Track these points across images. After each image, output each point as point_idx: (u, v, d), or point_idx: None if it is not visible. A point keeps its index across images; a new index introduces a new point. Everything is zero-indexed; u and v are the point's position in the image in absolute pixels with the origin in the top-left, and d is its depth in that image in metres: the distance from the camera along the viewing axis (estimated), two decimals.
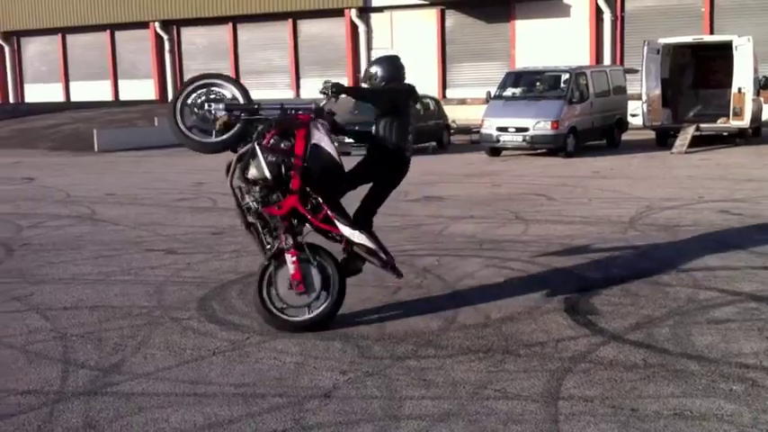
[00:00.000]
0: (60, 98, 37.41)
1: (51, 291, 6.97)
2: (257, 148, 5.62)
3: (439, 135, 22.43)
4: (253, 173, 5.63)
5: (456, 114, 25.94)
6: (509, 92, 20.10)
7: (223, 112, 5.82)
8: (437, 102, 23.65)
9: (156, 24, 35.11)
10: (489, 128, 19.06)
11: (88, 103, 33.68)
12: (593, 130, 19.99)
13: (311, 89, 31.40)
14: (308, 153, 5.72)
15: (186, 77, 35.04)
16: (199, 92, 5.98)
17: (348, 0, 30.91)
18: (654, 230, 9.11)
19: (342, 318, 5.94)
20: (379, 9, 30.79)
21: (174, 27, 35.39)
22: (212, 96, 5.93)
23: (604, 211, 10.62)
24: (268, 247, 5.87)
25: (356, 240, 5.86)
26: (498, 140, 18.95)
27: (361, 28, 31.21)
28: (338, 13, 31.34)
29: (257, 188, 5.72)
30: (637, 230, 9.17)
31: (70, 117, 29.56)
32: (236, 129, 5.82)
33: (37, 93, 38.50)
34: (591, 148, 19.96)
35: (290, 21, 32.69)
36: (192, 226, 10.19)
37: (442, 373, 4.81)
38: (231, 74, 33.69)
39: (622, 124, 21.52)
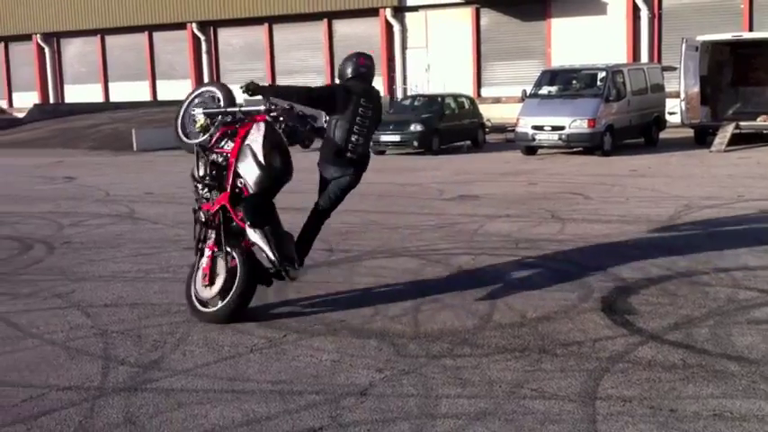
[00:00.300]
0: (99, 98, 37.92)
1: (92, 288, 7.08)
2: (196, 148, 6.19)
3: (474, 134, 22.40)
4: (196, 172, 6.21)
5: (491, 113, 25.85)
6: (545, 90, 19.99)
7: (201, 116, 6.35)
8: (472, 100, 23.61)
9: (194, 25, 35.43)
10: (525, 126, 18.97)
11: (127, 103, 34.12)
12: (630, 129, 19.80)
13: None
14: (239, 153, 6.05)
15: (223, 78, 35.37)
16: (197, 100, 6.64)
17: (383, 0, 30.93)
18: (692, 230, 9.01)
19: (377, 316, 5.97)
20: (414, 8, 30.76)
21: (211, 28, 35.69)
22: (199, 101, 6.57)
23: (642, 209, 10.52)
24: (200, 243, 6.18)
25: (251, 239, 6.00)
26: (534, 139, 18.85)
27: (396, 27, 31.21)
28: (373, 12, 31.37)
29: (200, 186, 6.20)
30: (675, 229, 9.07)
31: (109, 117, 29.98)
32: (210, 131, 6.33)
33: (76, 93, 39.06)
34: (628, 146, 19.77)
35: (326, 21, 32.80)
36: None
37: (478, 371, 4.81)
38: (267, 74, 33.98)
39: (660, 122, 21.29)
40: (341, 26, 32.74)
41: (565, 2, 28.17)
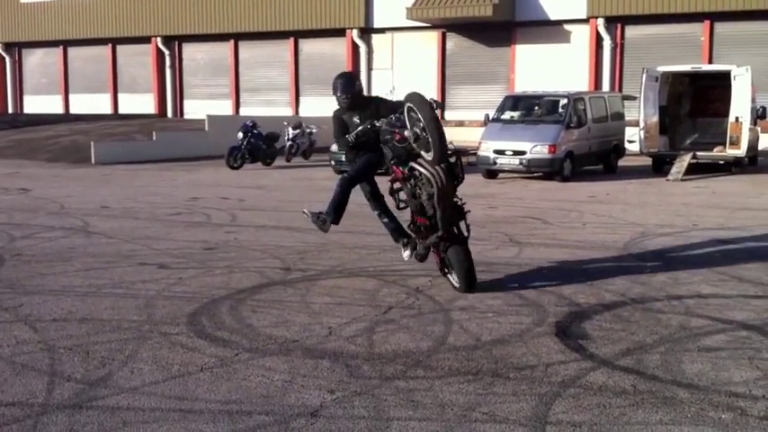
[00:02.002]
0: (60, 110, 37.49)
1: (41, 302, 6.94)
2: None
3: None
4: None
5: (454, 136, 25.85)
6: (507, 115, 20.16)
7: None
8: None
9: (158, 40, 35.24)
10: (486, 150, 19.10)
11: (87, 115, 33.75)
12: (590, 155, 20.03)
13: (311, 107, 31.50)
14: None
15: (186, 93, 35.22)
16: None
17: (350, 21, 31.08)
18: (647, 257, 9.11)
19: (331, 336, 5.92)
20: (381, 30, 30.96)
21: (176, 43, 35.53)
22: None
23: (599, 236, 10.62)
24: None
25: None
26: (495, 163, 18.98)
27: (362, 48, 31.36)
28: (340, 33, 31.50)
29: None
30: (630, 256, 9.16)
31: (68, 129, 29.60)
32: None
33: (36, 104, 38.59)
34: (588, 172, 20.00)
35: (292, 39, 32.85)
36: (185, 241, 10.17)
37: (431, 394, 4.78)
38: (231, 90, 33.88)
39: (619, 150, 21.57)
40: (307, 45, 32.82)
41: (530, 29, 28.57)
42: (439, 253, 7.57)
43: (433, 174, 7.15)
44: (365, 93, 8.05)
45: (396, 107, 7.84)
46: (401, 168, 7.55)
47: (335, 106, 8.17)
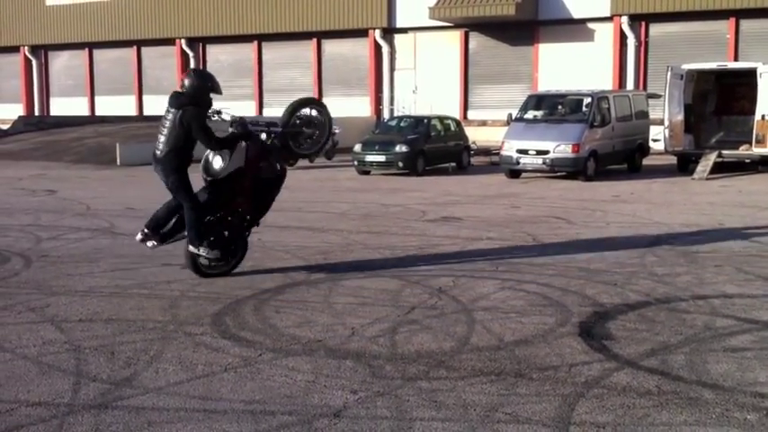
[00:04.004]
0: (85, 112, 37.82)
1: (67, 303, 7.01)
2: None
3: (459, 156, 22.46)
4: None
5: (477, 136, 25.96)
6: (530, 114, 20.11)
7: None
8: (458, 123, 23.71)
9: (182, 41, 35.46)
10: (509, 150, 19.05)
11: (112, 117, 34.02)
12: (614, 155, 19.91)
13: (334, 107, 31.50)
14: None
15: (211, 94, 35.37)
16: None
17: (372, 21, 31.10)
18: (672, 256, 9.04)
19: (354, 336, 5.94)
20: (404, 30, 30.94)
21: (200, 44, 35.74)
22: None
23: (623, 235, 10.55)
24: None
25: None
26: (518, 162, 18.93)
27: (385, 49, 31.36)
28: (362, 33, 31.53)
29: None
30: (655, 256, 9.09)
31: (94, 131, 29.87)
32: None
33: (62, 106, 38.95)
34: (611, 172, 19.88)
35: (315, 40, 32.92)
36: None
37: (453, 395, 4.78)
38: (254, 91, 34.04)
39: (644, 149, 21.42)
40: (330, 46, 32.88)
41: (553, 28, 28.43)
42: None
43: None
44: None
45: None
46: None
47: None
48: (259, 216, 8.23)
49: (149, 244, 7.95)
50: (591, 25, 28.02)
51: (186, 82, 7.80)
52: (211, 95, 7.85)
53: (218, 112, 7.97)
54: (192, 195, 7.74)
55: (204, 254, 7.74)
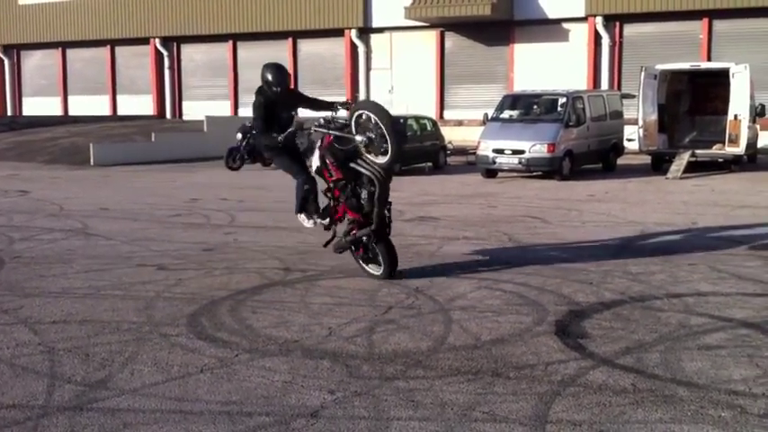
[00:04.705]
0: (58, 112, 37.48)
1: (41, 304, 6.94)
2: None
3: (435, 156, 22.49)
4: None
5: (453, 135, 26.03)
6: (506, 114, 20.18)
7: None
8: (434, 122, 23.73)
9: (157, 41, 35.24)
10: (486, 149, 19.11)
11: (86, 117, 33.75)
12: (589, 154, 20.04)
13: None
14: None
15: (185, 93, 35.25)
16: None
17: (348, 20, 31.08)
18: (647, 255, 9.11)
19: (331, 336, 5.93)
20: (379, 30, 30.95)
21: (175, 44, 35.53)
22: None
23: (598, 234, 10.62)
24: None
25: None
26: (494, 162, 18.99)
27: (361, 48, 31.36)
28: (338, 33, 31.50)
29: None
30: (630, 255, 9.16)
31: (67, 131, 29.59)
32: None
33: (35, 106, 38.58)
34: (587, 171, 20.01)
35: (290, 40, 32.85)
36: (184, 242, 10.17)
37: (431, 394, 4.78)
38: (230, 91, 33.89)
39: (618, 149, 21.59)
40: (306, 45, 32.82)
41: (528, 28, 28.56)
42: (362, 245, 7.98)
43: (376, 174, 7.53)
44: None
45: (325, 107, 8.12)
46: (341, 169, 7.79)
47: None
48: None
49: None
50: (566, 25, 28.19)
51: None
52: (272, 88, 7.97)
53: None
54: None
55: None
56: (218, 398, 4.74)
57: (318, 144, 7.93)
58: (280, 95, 7.95)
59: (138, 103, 36.17)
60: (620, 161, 21.58)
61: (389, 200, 7.82)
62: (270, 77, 7.92)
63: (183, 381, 5.03)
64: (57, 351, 5.63)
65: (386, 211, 7.74)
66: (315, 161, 7.98)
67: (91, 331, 6.11)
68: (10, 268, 8.52)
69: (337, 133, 7.73)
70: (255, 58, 33.84)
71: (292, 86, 8.33)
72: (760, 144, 22.33)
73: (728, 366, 5.22)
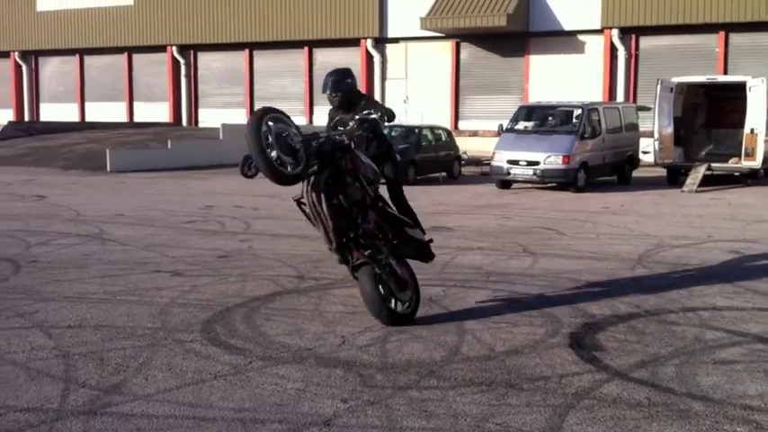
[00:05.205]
0: (75, 118, 37.73)
1: (56, 308, 6.98)
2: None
3: (450, 166, 22.51)
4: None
5: (468, 146, 26.04)
6: (521, 125, 20.17)
7: (300, 145, 6.06)
8: (449, 133, 23.76)
9: (174, 48, 35.45)
10: (500, 160, 19.11)
11: (103, 123, 33.96)
12: (604, 166, 19.99)
13: (324, 117, 31.49)
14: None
15: (201, 102, 35.41)
16: (277, 124, 6.06)
17: (364, 30, 31.17)
18: (662, 268, 9.07)
19: (345, 345, 5.93)
20: (395, 40, 31.02)
21: (191, 51, 35.73)
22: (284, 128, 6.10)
23: (613, 247, 10.58)
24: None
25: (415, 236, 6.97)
26: (509, 173, 18.98)
27: (377, 58, 31.44)
28: (354, 42, 31.60)
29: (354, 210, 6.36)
30: (645, 268, 9.12)
31: (84, 137, 29.79)
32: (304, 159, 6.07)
33: (52, 112, 38.85)
34: (601, 183, 19.96)
35: (306, 49, 32.97)
36: (199, 248, 10.20)
37: (444, 404, 4.77)
38: (246, 99, 34.02)
39: (634, 161, 21.53)
40: (321, 55, 32.93)
41: (544, 39, 28.57)
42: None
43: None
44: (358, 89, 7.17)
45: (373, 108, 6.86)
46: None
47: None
48: None
49: None
50: (582, 37, 28.16)
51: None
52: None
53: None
54: None
55: None
56: (231, 404, 4.74)
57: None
58: (338, 101, 7.12)
59: (155, 111, 36.37)
60: (635, 174, 21.52)
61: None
62: (325, 85, 7.11)
63: (197, 387, 5.04)
64: (71, 355, 5.65)
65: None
66: None
67: (106, 336, 6.14)
68: (26, 272, 8.57)
69: None
70: (271, 66, 34.05)
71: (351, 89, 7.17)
72: None
73: (744, 381, 5.19)
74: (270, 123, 5.99)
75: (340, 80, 7.03)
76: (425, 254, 7.28)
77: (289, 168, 6.02)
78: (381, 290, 6.44)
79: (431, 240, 7.33)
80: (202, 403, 4.77)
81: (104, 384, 5.07)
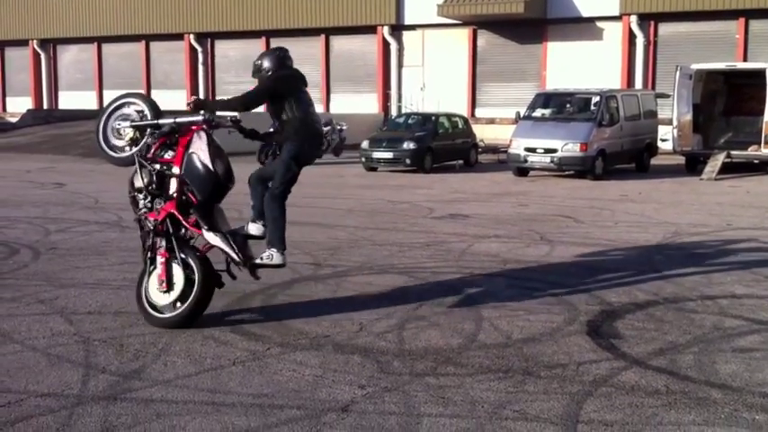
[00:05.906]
0: (94, 106, 37.87)
1: (76, 295, 7.03)
2: (137, 159, 6.31)
3: (466, 153, 22.47)
4: (137, 182, 6.37)
5: (485, 133, 25.96)
6: (538, 113, 20.08)
7: (129, 129, 6.47)
8: (465, 120, 23.70)
9: (191, 36, 35.49)
10: (517, 148, 19.04)
11: None
12: (622, 154, 19.88)
13: (341, 104, 31.57)
14: (184, 161, 6.25)
15: (218, 89, 35.49)
16: (117, 112, 6.62)
17: (381, 17, 31.07)
18: (680, 256, 9.02)
19: (362, 332, 5.94)
20: (412, 27, 30.90)
21: (209, 39, 35.75)
22: (119, 115, 6.60)
23: (631, 234, 10.54)
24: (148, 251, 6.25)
25: (212, 243, 6.23)
26: (526, 161, 18.91)
27: (393, 45, 31.34)
28: (371, 30, 31.50)
29: (141, 196, 6.32)
30: (663, 255, 9.08)
31: None
32: (141, 143, 6.41)
33: (71, 100, 39.02)
34: (619, 171, 19.85)
35: (323, 36, 32.91)
36: None
37: (461, 391, 4.78)
38: None
39: (652, 148, 21.39)
40: (338, 42, 32.86)
41: (562, 26, 28.36)
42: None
43: None
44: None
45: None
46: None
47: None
48: None
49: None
50: (600, 24, 27.94)
51: None
52: None
53: None
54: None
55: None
56: (249, 390, 4.77)
57: None
58: None
59: (172, 98, 36.37)
60: (653, 161, 21.38)
61: None
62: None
63: (216, 373, 5.07)
64: (91, 341, 5.70)
65: None
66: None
67: (125, 322, 6.19)
68: (46, 259, 8.64)
69: None
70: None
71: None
72: None
73: (763, 369, 5.16)
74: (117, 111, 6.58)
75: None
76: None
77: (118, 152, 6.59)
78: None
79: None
80: (221, 389, 4.80)
81: (124, 370, 5.11)
